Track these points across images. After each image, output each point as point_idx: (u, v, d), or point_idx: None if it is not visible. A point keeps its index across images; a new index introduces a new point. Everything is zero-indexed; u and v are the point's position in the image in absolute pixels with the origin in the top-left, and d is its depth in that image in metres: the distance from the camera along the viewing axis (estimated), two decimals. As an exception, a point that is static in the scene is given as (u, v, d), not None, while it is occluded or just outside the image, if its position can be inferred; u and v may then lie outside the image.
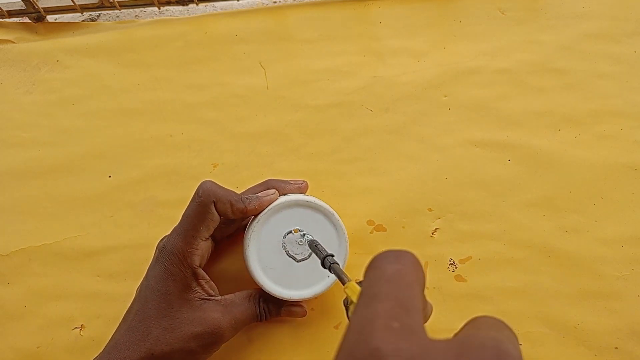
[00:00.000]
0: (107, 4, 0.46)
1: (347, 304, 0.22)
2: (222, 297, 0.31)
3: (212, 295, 0.30)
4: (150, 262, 0.31)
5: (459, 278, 0.35)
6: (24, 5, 0.46)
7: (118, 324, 0.31)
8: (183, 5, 0.47)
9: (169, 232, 0.32)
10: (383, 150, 0.39)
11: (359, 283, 0.22)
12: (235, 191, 0.32)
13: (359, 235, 0.37)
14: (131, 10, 0.50)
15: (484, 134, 0.39)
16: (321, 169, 0.39)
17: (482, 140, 0.39)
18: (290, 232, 0.32)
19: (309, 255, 0.32)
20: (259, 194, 0.32)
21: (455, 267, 0.36)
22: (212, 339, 0.29)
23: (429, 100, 0.41)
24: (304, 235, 0.32)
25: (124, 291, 0.36)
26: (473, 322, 0.17)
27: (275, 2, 0.49)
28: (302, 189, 0.35)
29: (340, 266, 0.32)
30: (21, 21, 0.48)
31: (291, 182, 0.35)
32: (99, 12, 0.50)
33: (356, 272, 0.35)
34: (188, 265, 0.29)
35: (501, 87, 0.41)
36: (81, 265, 0.37)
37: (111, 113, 0.42)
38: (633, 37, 0.41)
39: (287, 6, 0.46)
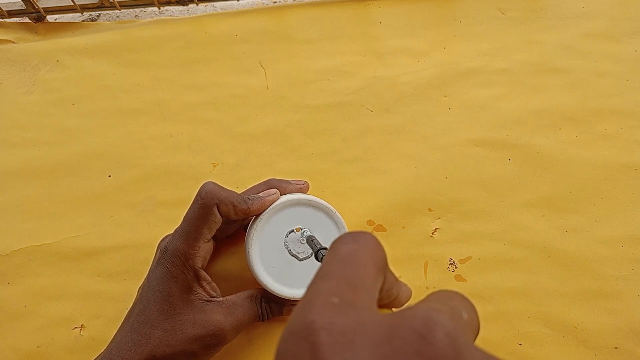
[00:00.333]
0: (107, 4, 0.46)
1: None
2: (224, 298, 0.31)
3: (214, 297, 0.30)
4: (152, 263, 0.31)
5: (459, 278, 0.35)
6: (24, 5, 0.46)
7: (119, 325, 0.31)
8: (183, 5, 0.47)
9: (169, 232, 0.32)
10: (383, 150, 0.39)
11: None
12: (236, 191, 0.32)
13: (359, 235, 0.37)
14: (131, 10, 0.50)
15: (484, 134, 0.39)
16: (321, 169, 0.39)
17: (482, 140, 0.39)
18: (292, 231, 0.32)
19: (312, 254, 0.32)
20: (260, 194, 0.32)
21: (455, 267, 0.35)
22: (214, 341, 0.29)
23: (429, 100, 0.41)
24: (303, 232, 0.32)
25: (124, 291, 0.36)
26: (427, 296, 0.17)
27: (275, 2, 0.49)
28: (303, 189, 0.35)
29: None
30: (21, 21, 0.48)
31: (292, 182, 0.35)
32: (99, 12, 0.50)
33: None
34: (190, 267, 0.29)
35: (501, 87, 0.41)
36: (81, 265, 0.37)
37: (111, 113, 0.42)
38: (633, 37, 0.41)
39: (287, 6, 0.46)
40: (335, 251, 0.17)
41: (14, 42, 0.46)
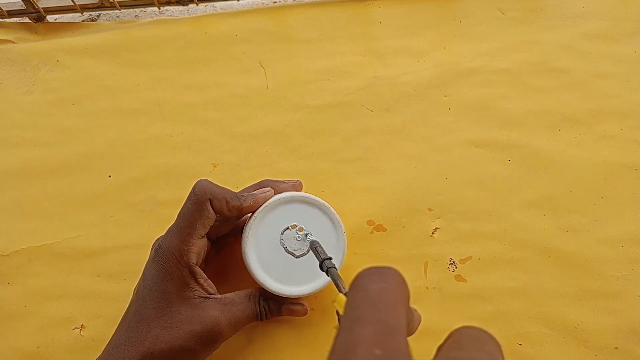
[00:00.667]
0: (107, 4, 0.46)
1: (338, 313, 0.22)
2: (222, 295, 0.31)
3: (211, 294, 0.30)
4: (146, 262, 0.31)
5: (459, 278, 0.35)
6: (24, 5, 0.46)
7: (117, 325, 0.31)
8: (183, 5, 0.47)
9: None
10: (383, 150, 0.39)
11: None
12: (230, 189, 0.32)
13: (359, 235, 0.37)
14: (131, 10, 0.50)
15: (484, 134, 0.39)
16: (321, 169, 0.39)
17: (482, 140, 0.39)
18: (288, 228, 0.32)
19: (308, 251, 0.32)
20: (254, 192, 0.32)
21: (456, 267, 0.36)
22: (211, 337, 0.29)
23: (429, 100, 0.41)
24: (306, 235, 0.32)
25: (124, 291, 0.36)
26: (455, 338, 0.17)
27: (275, 2, 0.49)
28: (296, 187, 0.35)
29: (339, 262, 0.32)
30: (21, 21, 0.48)
31: (285, 181, 0.35)
32: (99, 12, 0.50)
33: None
34: (185, 263, 0.29)
35: (501, 87, 0.41)
36: (81, 265, 0.37)
37: (111, 113, 0.42)
38: (633, 37, 0.41)
39: (287, 6, 0.46)
40: (362, 290, 0.17)
41: (14, 42, 0.46)
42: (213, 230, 0.32)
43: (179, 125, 0.41)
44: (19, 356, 0.35)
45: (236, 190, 0.33)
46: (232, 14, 0.46)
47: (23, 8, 0.46)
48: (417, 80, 0.41)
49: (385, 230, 0.37)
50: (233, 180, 0.39)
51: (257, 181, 0.35)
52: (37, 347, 0.35)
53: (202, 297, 0.30)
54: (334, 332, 0.35)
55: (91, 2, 0.46)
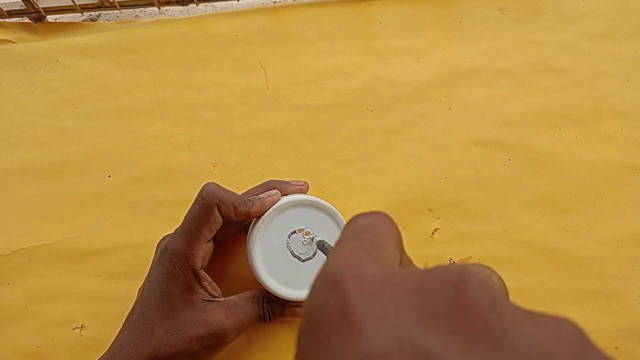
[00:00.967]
0: (107, 4, 0.46)
1: None
2: (226, 298, 0.31)
3: (215, 297, 0.30)
4: (152, 263, 0.31)
5: (459, 278, 0.35)
6: (24, 5, 0.46)
7: (121, 326, 0.31)
8: (183, 5, 0.47)
9: (169, 232, 0.32)
10: (383, 150, 0.39)
11: None
12: (236, 193, 0.32)
13: (359, 235, 0.37)
14: (131, 10, 0.50)
15: (484, 134, 0.39)
16: (321, 169, 0.39)
17: (482, 140, 0.39)
18: (295, 231, 0.32)
19: (314, 255, 0.32)
20: (260, 195, 0.32)
21: (455, 267, 0.35)
22: (215, 341, 0.29)
23: (429, 100, 0.41)
24: (312, 238, 0.32)
25: (124, 291, 0.36)
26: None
27: (275, 2, 0.49)
28: (303, 190, 0.35)
29: None
30: (21, 21, 0.48)
31: (292, 182, 0.35)
32: (99, 12, 0.50)
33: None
34: (190, 267, 0.29)
35: (501, 87, 0.41)
36: (81, 265, 0.37)
37: (111, 113, 0.42)
38: (633, 37, 0.41)
39: (287, 6, 0.46)
40: (351, 224, 0.17)
41: (14, 42, 0.46)
42: (219, 233, 0.32)
43: (179, 125, 0.41)
44: (19, 356, 0.35)
45: (239, 191, 0.33)
46: (232, 14, 0.46)
47: (23, 8, 0.46)
48: (417, 80, 0.41)
49: (385, 230, 0.37)
50: (233, 180, 0.39)
51: (263, 182, 0.34)
52: (37, 347, 0.35)
53: (207, 300, 0.30)
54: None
55: (91, 2, 0.46)
